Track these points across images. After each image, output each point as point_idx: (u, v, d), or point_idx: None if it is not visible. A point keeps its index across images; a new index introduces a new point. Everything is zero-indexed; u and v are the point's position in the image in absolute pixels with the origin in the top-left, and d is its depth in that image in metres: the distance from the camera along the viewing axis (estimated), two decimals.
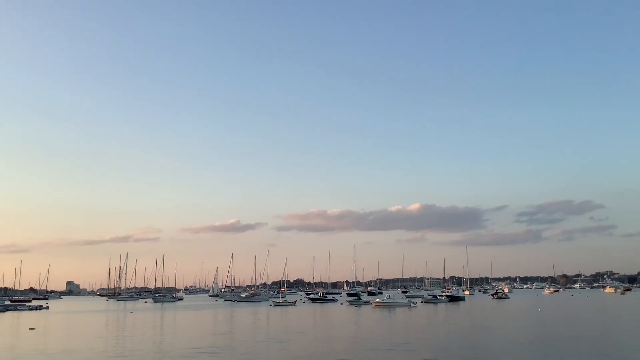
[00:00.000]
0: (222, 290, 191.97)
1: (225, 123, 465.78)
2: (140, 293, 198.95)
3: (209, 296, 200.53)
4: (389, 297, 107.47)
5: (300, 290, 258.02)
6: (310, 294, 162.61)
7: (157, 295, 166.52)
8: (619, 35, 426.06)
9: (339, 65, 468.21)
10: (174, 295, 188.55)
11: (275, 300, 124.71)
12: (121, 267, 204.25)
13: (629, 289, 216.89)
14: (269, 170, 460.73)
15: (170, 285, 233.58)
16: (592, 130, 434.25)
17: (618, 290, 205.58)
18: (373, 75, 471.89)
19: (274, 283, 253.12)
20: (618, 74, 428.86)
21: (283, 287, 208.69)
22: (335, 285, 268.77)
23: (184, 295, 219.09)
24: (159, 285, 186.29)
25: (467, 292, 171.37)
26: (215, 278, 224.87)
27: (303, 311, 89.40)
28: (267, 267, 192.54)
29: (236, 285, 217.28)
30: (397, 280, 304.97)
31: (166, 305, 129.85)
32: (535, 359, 29.85)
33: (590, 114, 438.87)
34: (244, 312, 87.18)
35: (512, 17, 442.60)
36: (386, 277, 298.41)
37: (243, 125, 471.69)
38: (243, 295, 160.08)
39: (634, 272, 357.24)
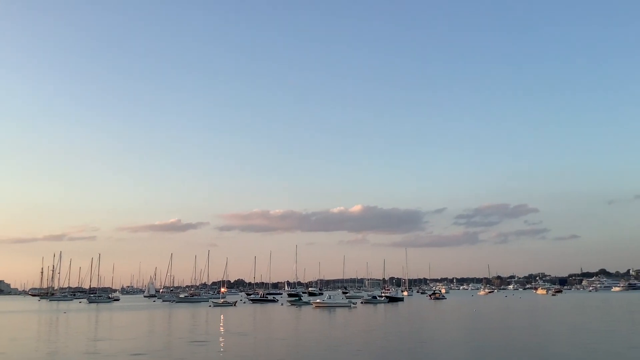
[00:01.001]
0: (161, 290, 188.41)
1: (165, 120, 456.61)
2: (75, 293, 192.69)
3: (144, 297, 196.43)
4: (330, 298, 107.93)
5: (241, 291, 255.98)
6: (251, 294, 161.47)
7: (92, 295, 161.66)
8: (545, 43, 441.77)
9: (297, 60, 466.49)
10: (109, 295, 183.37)
11: (215, 300, 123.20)
12: (54, 266, 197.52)
13: (559, 291, 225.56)
14: (210, 169, 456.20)
15: (106, 286, 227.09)
16: (528, 135, 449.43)
17: (549, 291, 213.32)
18: (341, 72, 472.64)
19: (214, 283, 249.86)
20: (551, 80, 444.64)
21: (223, 287, 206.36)
22: (276, 285, 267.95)
23: (121, 296, 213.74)
24: (94, 285, 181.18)
25: (405, 293, 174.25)
26: (151, 278, 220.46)
27: (243, 312, 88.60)
28: (208, 267, 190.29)
29: (175, 285, 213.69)
30: (338, 280, 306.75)
31: (101, 305, 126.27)
32: None
33: (526, 119, 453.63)
34: (183, 313, 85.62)
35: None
36: (327, 277, 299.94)
37: (184, 122, 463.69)
38: (182, 295, 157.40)
39: (565, 275, 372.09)
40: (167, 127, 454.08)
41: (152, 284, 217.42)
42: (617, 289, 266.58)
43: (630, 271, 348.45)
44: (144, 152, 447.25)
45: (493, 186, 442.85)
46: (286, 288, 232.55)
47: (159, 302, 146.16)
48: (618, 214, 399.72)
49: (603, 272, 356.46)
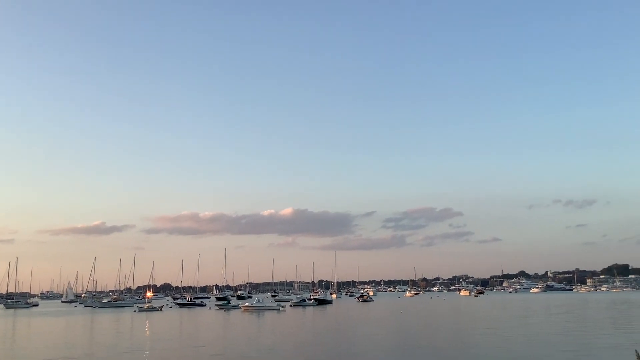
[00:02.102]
0: (83, 295, 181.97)
1: (88, 118, 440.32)
2: None
3: (62, 302, 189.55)
4: (259, 301, 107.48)
5: (168, 295, 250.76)
6: (178, 298, 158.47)
7: (9, 300, 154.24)
8: (464, 44, 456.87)
9: (228, 62, 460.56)
10: (28, 300, 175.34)
11: (140, 305, 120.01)
12: None
13: (481, 292, 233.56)
14: (137, 170, 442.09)
15: (24, 291, 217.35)
16: (454, 140, 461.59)
17: (472, 293, 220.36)
18: (263, 72, 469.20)
19: (139, 288, 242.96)
20: (471, 84, 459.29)
21: (149, 291, 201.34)
22: (204, 289, 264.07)
23: (40, 301, 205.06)
24: (11, 290, 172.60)
25: (334, 296, 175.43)
26: (70, 283, 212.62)
27: (169, 317, 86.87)
28: (133, 271, 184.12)
29: (98, 290, 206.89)
30: (268, 284, 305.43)
31: (19, 311, 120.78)
32: None
33: (451, 125, 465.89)
34: (106, 319, 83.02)
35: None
36: (257, 281, 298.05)
37: (107, 119, 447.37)
38: (105, 300, 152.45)
39: (487, 276, 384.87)
40: (90, 125, 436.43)
41: (71, 288, 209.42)
42: (535, 290, 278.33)
43: (548, 273, 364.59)
44: (66, 152, 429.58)
45: (421, 190, 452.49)
46: (214, 292, 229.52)
47: (80, 307, 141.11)
48: (537, 217, 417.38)
49: (522, 274, 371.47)
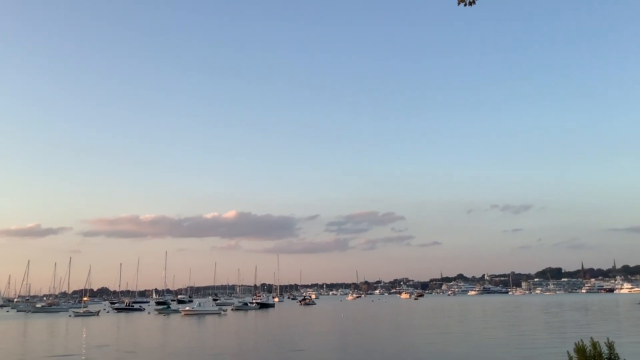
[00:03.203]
0: (15, 300, 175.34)
1: (24, 113, 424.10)
2: None
3: None
4: (199, 305, 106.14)
5: (105, 300, 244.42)
6: (116, 303, 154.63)
7: None
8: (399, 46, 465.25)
9: (165, 59, 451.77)
10: None
11: (75, 310, 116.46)
12: None
13: (421, 295, 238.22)
14: (75, 171, 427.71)
15: None
16: (398, 145, 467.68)
17: (412, 296, 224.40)
18: (208, 70, 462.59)
19: (75, 292, 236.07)
20: (414, 92, 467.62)
21: (85, 296, 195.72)
22: (143, 293, 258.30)
23: None
24: None
25: (276, 299, 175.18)
26: (0, 287, 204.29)
27: (106, 322, 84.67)
28: (69, 275, 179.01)
29: (32, 294, 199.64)
30: (209, 287, 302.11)
31: None
32: None
33: (394, 130, 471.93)
34: (39, 324, 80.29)
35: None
36: (198, 284, 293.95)
37: (41, 114, 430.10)
38: (39, 305, 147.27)
39: (427, 279, 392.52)
40: (24, 124, 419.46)
41: (0, 292, 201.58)
42: (472, 292, 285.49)
43: (485, 276, 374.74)
44: None
45: (364, 194, 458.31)
46: (154, 296, 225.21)
47: (12, 312, 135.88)
48: (476, 222, 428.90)
49: (461, 277, 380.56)
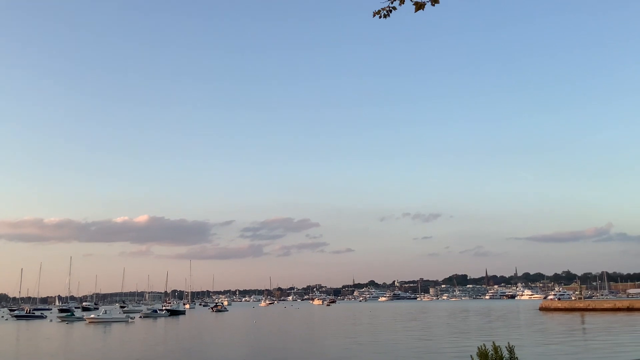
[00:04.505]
0: None
1: None
2: None
3: None
4: (105, 313, 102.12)
5: (4, 307, 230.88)
6: (15, 310, 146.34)
7: None
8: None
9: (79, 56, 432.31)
10: None
11: None
12: None
13: (333, 301, 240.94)
14: None
15: None
16: (314, 152, 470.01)
17: (324, 302, 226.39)
18: (126, 69, 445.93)
19: None
20: (338, 103, 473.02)
21: None
22: (45, 300, 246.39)
23: None
24: None
25: (187, 306, 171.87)
26: None
27: (3, 330, 79.99)
28: None
29: None
30: (117, 294, 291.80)
31: None
32: None
33: (314, 139, 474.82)
34: None
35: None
36: (105, 291, 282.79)
37: None
38: None
39: (339, 286, 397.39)
40: None
41: None
42: (383, 298, 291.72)
43: (396, 282, 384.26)
44: None
45: (280, 201, 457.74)
46: (57, 303, 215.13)
47: None
48: (388, 229, 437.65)
49: (372, 284, 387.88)
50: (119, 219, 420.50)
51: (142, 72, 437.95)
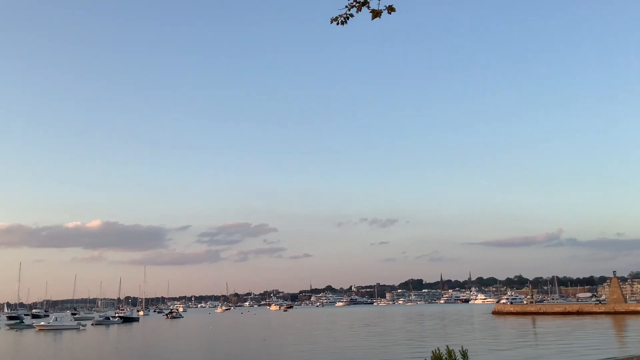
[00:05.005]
0: None
1: None
2: None
3: None
4: (56, 320, 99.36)
5: None
6: None
7: None
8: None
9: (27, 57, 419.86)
10: None
11: None
12: None
13: (290, 306, 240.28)
14: None
15: None
16: (269, 158, 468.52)
17: (282, 307, 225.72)
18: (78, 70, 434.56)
19: None
20: (297, 109, 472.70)
21: None
22: None
23: None
24: None
25: (141, 313, 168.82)
26: None
27: None
28: None
29: None
30: (68, 301, 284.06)
31: None
32: None
33: (268, 142, 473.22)
34: None
35: None
36: (56, 298, 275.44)
37: None
38: None
39: (297, 291, 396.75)
40: None
41: None
42: (340, 304, 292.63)
43: (353, 287, 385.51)
44: None
45: (237, 205, 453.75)
46: (5, 310, 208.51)
47: None
48: (345, 234, 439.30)
49: (329, 289, 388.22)
50: (71, 224, 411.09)
51: (96, 76, 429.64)
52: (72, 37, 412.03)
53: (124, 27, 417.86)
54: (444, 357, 12.05)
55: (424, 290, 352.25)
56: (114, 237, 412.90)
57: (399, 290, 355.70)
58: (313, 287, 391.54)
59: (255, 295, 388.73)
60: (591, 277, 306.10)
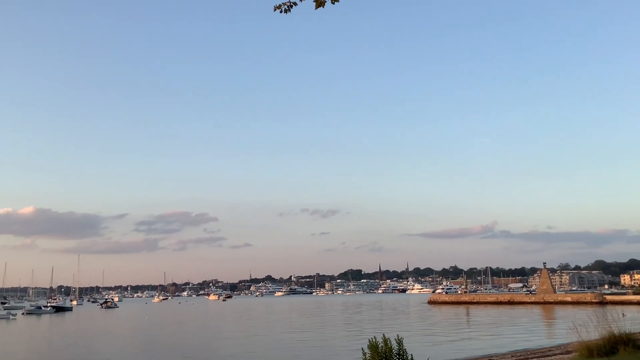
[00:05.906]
0: None
1: None
2: None
3: None
4: None
5: None
6: None
7: None
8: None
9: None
10: None
11: None
12: None
13: (229, 296, 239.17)
14: None
15: None
16: (213, 146, 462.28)
17: (221, 297, 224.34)
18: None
19: None
20: (253, 103, 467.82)
21: None
22: None
23: None
24: None
25: (75, 302, 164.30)
26: None
27: None
28: None
29: None
30: None
31: None
32: None
33: (217, 132, 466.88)
34: None
35: None
36: None
37: None
38: None
39: (236, 281, 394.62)
40: None
41: None
42: (279, 293, 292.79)
43: (292, 277, 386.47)
44: None
45: (177, 194, 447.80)
46: None
47: None
48: (286, 225, 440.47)
49: (269, 278, 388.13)
50: (1, 211, 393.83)
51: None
52: None
53: None
54: (380, 346, 12.28)
55: (362, 281, 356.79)
56: (47, 224, 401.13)
57: (338, 281, 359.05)
58: (253, 277, 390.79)
59: (194, 285, 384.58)
60: (523, 268, 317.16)
